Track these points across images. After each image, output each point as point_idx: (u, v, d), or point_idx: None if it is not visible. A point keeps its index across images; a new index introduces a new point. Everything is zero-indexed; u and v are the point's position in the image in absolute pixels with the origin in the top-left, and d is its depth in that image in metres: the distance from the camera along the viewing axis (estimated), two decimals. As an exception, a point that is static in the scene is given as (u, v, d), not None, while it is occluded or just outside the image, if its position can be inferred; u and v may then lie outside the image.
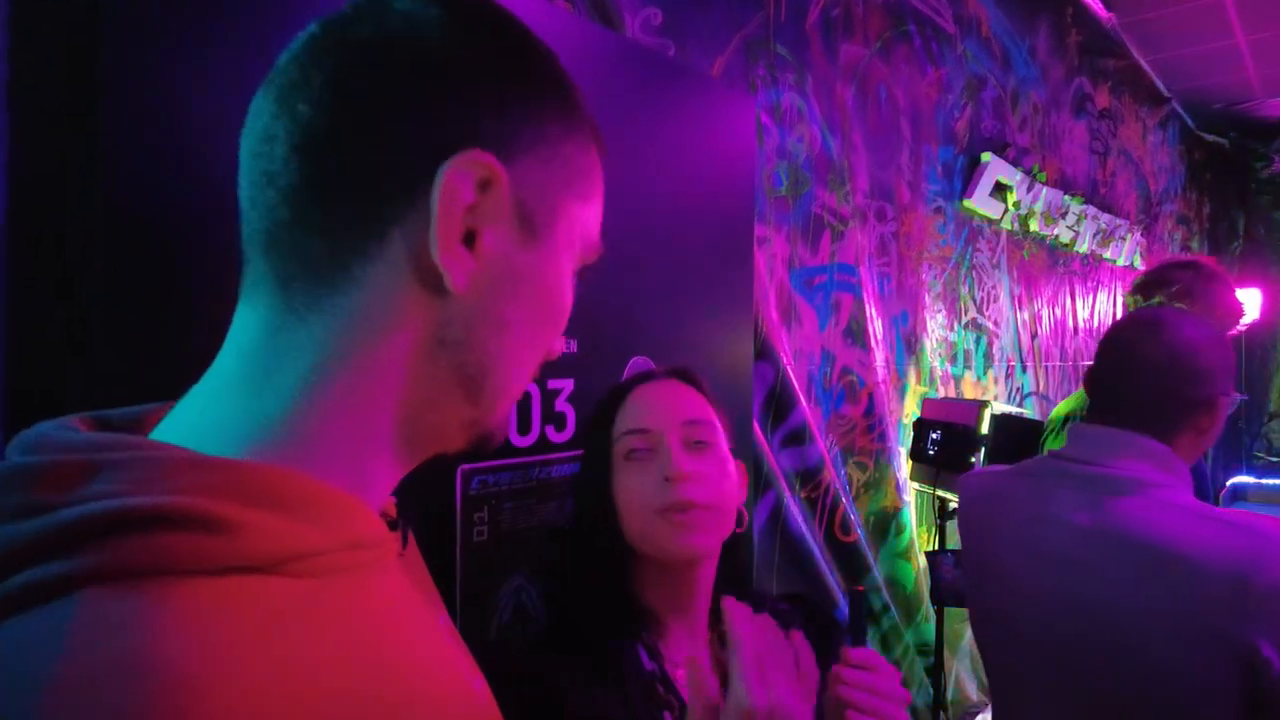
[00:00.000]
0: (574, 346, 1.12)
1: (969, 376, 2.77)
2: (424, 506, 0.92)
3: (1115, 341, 1.06)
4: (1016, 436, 1.93)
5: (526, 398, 1.06)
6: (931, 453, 2.05)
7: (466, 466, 0.99)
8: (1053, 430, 1.73)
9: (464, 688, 0.44)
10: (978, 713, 2.58)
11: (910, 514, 2.38)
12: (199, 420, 0.38)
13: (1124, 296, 1.91)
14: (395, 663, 0.37)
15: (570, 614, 0.79)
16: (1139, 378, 1.00)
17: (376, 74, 0.38)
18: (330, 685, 0.32)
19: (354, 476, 0.39)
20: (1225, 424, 1.04)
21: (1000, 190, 2.86)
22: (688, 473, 0.77)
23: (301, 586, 0.34)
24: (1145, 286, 1.73)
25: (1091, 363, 1.09)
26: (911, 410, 2.40)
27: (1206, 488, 1.54)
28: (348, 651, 0.34)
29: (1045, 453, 1.12)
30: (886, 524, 2.29)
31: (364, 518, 0.39)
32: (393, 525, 0.45)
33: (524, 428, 1.06)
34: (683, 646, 0.79)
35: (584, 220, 0.46)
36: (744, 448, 1.46)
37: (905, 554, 2.34)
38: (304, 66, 0.39)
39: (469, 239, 0.39)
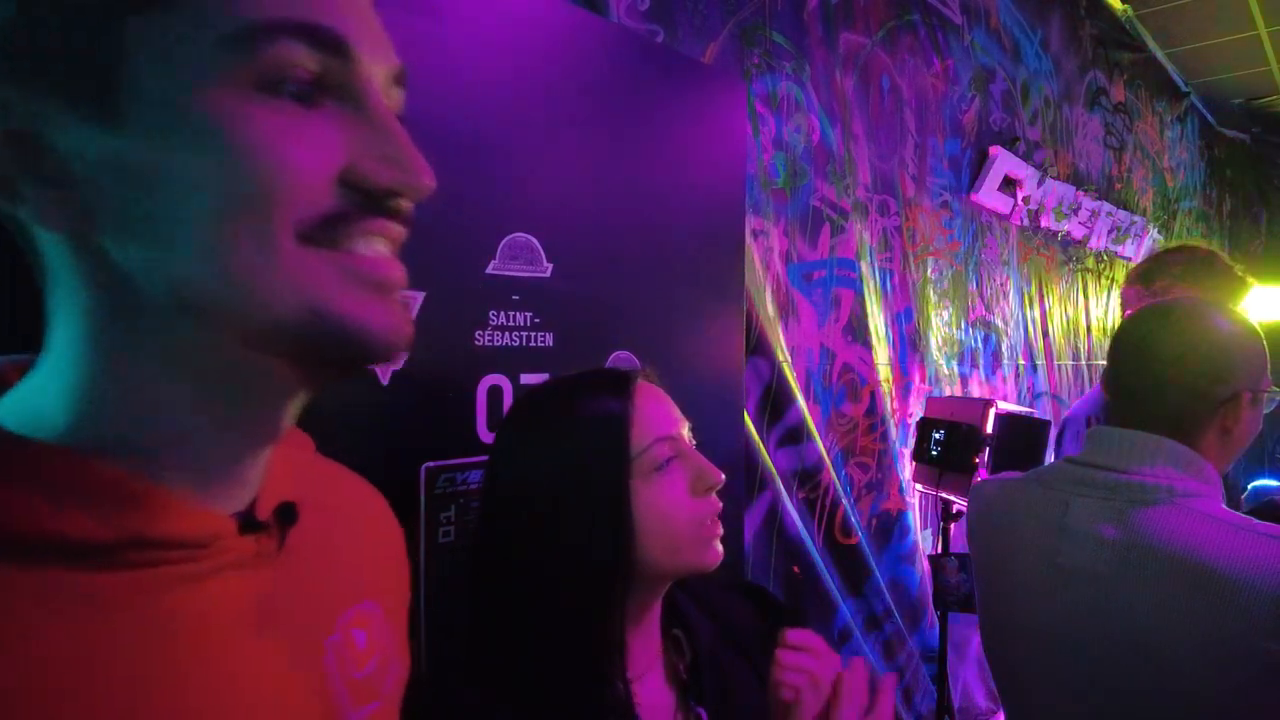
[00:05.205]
0: (550, 340, 1.08)
1: (977, 375, 2.70)
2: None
3: (1129, 335, 0.99)
4: (1023, 437, 1.86)
5: (498, 393, 1.02)
6: (934, 453, 1.98)
7: (431, 464, 0.95)
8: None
9: None
10: (986, 721, 2.51)
11: (914, 516, 2.32)
12: (26, 388, 0.37)
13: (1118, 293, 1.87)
14: (160, 685, 0.34)
15: (534, 651, 0.70)
16: (1154, 374, 0.93)
17: None
18: (60, 687, 0.30)
19: (177, 455, 0.36)
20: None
21: (1009, 185, 2.79)
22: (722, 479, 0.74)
23: (65, 578, 0.32)
24: (1138, 278, 1.68)
25: (1107, 359, 1.03)
26: (916, 410, 2.34)
27: (1232, 493, 1.47)
28: (103, 656, 0.32)
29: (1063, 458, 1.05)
30: (890, 527, 2.23)
31: (160, 510, 0.35)
32: (249, 525, 0.39)
33: (495, 424, 1.02)
34: (640, 660, 0.75)
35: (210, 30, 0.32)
36: (734, 445, 1.41)
37: (909, 558, 2.28)
38: None
39: (38, 175, 0.33)
